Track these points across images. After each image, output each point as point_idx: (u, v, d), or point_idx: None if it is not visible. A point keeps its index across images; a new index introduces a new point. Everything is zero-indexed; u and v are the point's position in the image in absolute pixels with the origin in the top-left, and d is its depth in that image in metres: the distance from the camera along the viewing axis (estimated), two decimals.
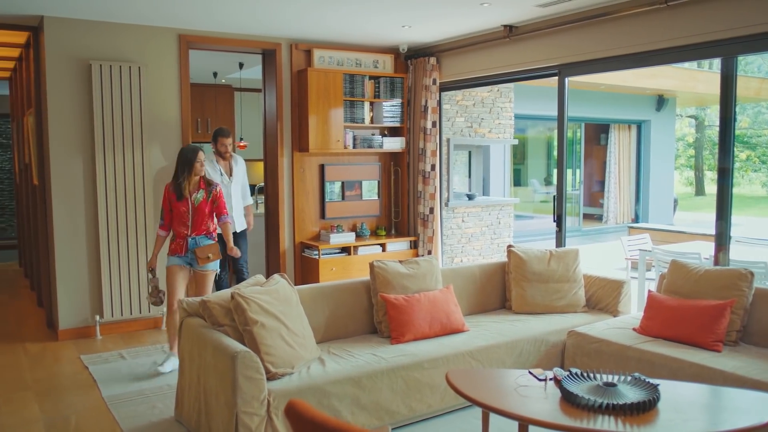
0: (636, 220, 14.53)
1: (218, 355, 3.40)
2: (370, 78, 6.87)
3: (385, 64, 7.07)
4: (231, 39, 6.29)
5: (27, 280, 8.32)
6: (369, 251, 6.72)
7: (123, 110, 5.75)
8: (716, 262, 4.82)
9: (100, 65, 5.62)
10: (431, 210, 6.99)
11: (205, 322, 3.76)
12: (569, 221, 13.02)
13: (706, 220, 13.77)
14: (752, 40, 4.36)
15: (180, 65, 6.06)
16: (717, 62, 4.65)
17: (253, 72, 8.64)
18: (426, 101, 6.90)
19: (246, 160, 10.71)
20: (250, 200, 6.34)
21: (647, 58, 5.04)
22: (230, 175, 6.06)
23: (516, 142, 8.65)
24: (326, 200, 6.89)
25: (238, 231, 6.07)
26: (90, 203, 5.74)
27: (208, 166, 5.72)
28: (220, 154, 6.02)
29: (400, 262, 4.60)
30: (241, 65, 8.50)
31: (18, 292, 7.87)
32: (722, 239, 4.83)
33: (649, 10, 4.83)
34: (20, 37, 6.42)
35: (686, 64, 12.59)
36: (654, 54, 4.96)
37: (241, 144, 9.47)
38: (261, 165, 8.49)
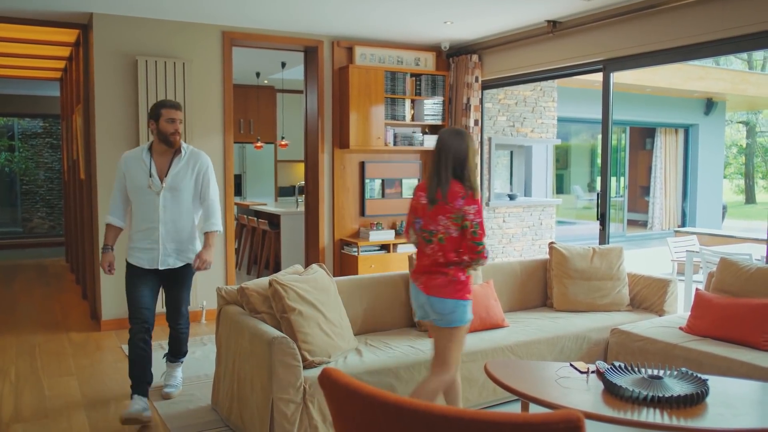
0: (682, 226, 14.16)
1: (255, 341, 3.40)
2: (412, 75, 6.84)
3: (427, 62, 7.04)
4: (273, 36, 6.34)
5: (73, 274, 8.51)
6: (408, 249, 6.66)
7: None
8: None
9: (146, 60, 5.72)
10: None
11: (243, 309, 3.77)
12: (613, 227, 12.78)
13: (757, 227, 13.35)
14: None
15: (223, 62, 6.14)
16: None
17: (295, 72, 8.71)
18: (468, 99, 6.84)
19: (287, 161, 10.95)
20: (218, 223, 3.98)
21: (696, 51, 4.90)
22: (164, 175, 3.85)
23: (558, 141, 8.52)
24: (366, 197, 6.87)
25: (177, 266, 3.96)
26: None
27: (131, 162, 3.86)
28: (164, 139, 3.83)
29: None
30: (283, 64, 8.57)
31: (64, 285, 8.05)
32: None
33: (699, 0, 4.69)
34: (71, 36, 6.59)
35: (737, 66, 12.27)
36: (704, 46, 4.81)
37: (283, 143, 9.55)
38: (302, 166, 8.54)
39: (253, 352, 3.42)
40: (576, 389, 2.93)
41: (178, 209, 3.88)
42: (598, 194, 5.78)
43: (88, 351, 5.20)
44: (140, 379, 3.83)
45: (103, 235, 3.97)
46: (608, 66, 5.61)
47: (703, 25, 4.73)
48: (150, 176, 3.81)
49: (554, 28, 5.85)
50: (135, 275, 3.89)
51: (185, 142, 5.88)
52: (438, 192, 3.10)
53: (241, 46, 6.44)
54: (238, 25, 6.13)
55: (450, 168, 3.11)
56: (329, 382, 1.60)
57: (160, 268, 3.89)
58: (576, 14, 5.64)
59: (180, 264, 3.95)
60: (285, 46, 6.56)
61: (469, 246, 3.04)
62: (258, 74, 9.50)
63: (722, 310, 4.05)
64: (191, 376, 4.56)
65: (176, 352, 4.28)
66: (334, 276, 6.65)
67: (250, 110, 10.20)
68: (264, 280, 3.78)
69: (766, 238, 4.77)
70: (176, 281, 4.02)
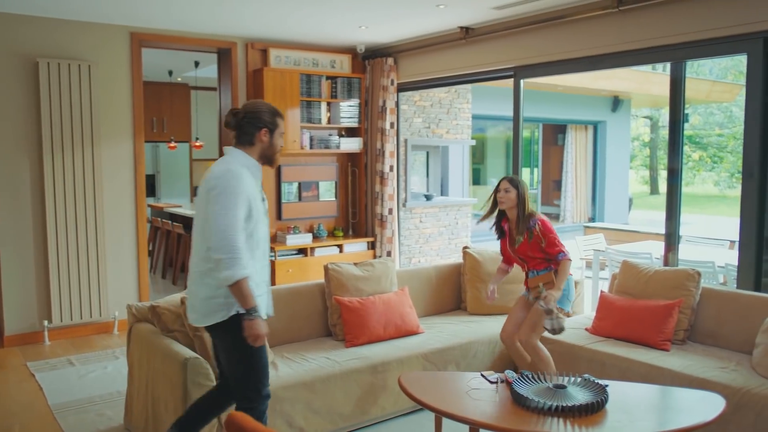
0: (592, 219, 14.77)
1: (168, 361, 3.33)
2: (327, 78, 6.82)
3: (343, 65, 7.04)
4: (185, 38, 6.18)
5: None
6: (326, 252, 6.68)
7: (72, 109, 5.60)
8: (666, 262, 4.92)
9: (48, 63, 5.46)
10: (390, 211, 6.98)
11: (154, 327, 3.69)
12: None
13: (660, 219, 14.05)
14: (699, 45, 4.46)
15: (132, 64, 5.93)
16: (669, 65, 4.75)
17: (210, 71, 8.53)
18: (384, 102, 6.88)
19: (203, 160, 10.70)
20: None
21: (600, 61, 5.11)
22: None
23: (473, 142, 8.70)
24: (283, 201, 6.82)
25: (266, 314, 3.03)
26: (37, 204, 5.58)
27: (250, 182, 2.92)
28: (271, 156, 3.05)
29: (355, 264, 4.58)
30: (196, 64, 8.38)
31: None
32: (672, 239, 4.94)
33: (603, 14, 4.89)
34: None
35: (641, 67, 12.86)
36: (607, 57, 5.03)
37: (197, 144, 9.34)
38: None
39: (166, 372, 3.35)
40: (486, 400, 3.02)
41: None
42: None
43: None
44: None
45: (241, 292, 2.74)
46: (518, 73, 5.77)
47: (605, 38, 4.95)
48: (263, 200, 2.95)
49: (467, 34, 5.96)
50: None
51: (93, 147, 5.70)
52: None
53: (150, 47, 6.25)
54: (148, 26, 5.94)
55: None
56: (235, 428, 1.60)
57: (272, 313, 3.08)
58: (488, 22, 5.77)
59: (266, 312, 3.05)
60: (197, 47, 6.41)
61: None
62: (171, 72, 9.24)
63: (624, 312, 4.26)
64: (102, 393, 4.43)
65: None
66: None
67: (163, 108, 9.91)
68: (176, 297, 3.71)
69: (664, 232, 5.05)
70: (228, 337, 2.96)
